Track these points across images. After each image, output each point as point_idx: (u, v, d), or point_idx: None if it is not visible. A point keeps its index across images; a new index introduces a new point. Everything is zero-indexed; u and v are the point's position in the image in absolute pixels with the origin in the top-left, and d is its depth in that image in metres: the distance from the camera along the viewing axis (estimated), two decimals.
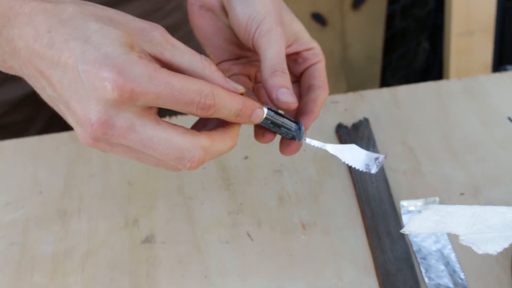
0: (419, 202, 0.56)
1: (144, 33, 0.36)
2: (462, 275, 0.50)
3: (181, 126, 0.37)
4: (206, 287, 0.51)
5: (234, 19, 0.45)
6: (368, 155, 0.43)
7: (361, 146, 0.60)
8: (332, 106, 0.68)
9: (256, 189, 0.59)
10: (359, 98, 0.69)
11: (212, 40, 0.49)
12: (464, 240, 0.36)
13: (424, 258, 0.52)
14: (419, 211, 0.56)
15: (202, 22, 0.48)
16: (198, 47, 0.89)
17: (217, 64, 0.49)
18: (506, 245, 0.35)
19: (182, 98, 0.34)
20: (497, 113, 0.66)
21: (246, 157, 0.62)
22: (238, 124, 0.40)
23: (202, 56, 0.38)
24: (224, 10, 0.47)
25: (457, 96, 0.69)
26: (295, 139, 0.43)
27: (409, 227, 0.37)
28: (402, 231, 0.37)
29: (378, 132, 0.64)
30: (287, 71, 0.43)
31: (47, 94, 0.37)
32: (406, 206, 0.56)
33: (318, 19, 1.56)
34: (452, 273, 0.51)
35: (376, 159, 0.43)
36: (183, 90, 0.34)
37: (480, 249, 0.35)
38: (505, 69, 1.01)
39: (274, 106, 0.42)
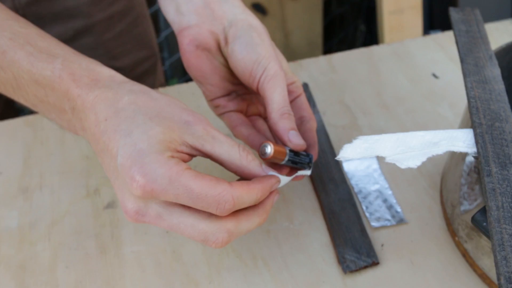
0: None
1: (187, 126, 0.39)
2: (398, 209, 0.56)
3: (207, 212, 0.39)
4: (168, 241, 0.55)
5: (238, 63, 0.47)
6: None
7: None
8: None
9: None
10: (298, 66, 0.75)
11: (208, 79, 0.50)
12: (390, 159, 0.42)
13: (364, 198, 0.58)
14: (359, 158, 0.61)
15: (199, 62, 0.49)
16: (146, 33, 0.91)
17: (212, 100, 0.52)
18: (424, 159, 0.41)
19: (200, 201, 0.37)
20: (422, 70, 0.73)
21: None
22: (267, 202, 0.43)
23: (241, 147, 0.41)
24: (220, 50, 0.49)
25: (386, 59, 0.75)
26: (305, 169, 0.48)
27: (342, 154, 0.42)
28: (337, 158, 0.43)
29: (318, 95, 0.70)
30: (292, 113, 0.46)
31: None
32: None
33: (259, 8, 1.62)
34: (389, 208, 0.56)
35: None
36: (201, 195, 0.37)
37: (403, 165, 0.41)
38: (428, 33, 1.08)
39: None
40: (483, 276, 0.49)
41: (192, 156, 0.41)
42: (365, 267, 0.51)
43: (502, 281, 0.32)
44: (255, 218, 0.42)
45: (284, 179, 0.44)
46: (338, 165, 0.60)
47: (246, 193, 0.39)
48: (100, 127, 0.39)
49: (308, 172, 0.49)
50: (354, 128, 0.65)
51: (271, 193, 0.44)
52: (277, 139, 0.48)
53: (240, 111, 0.53)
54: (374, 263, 0.51)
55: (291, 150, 0.46)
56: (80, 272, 0.53)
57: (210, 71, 0.50)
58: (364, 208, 0.57)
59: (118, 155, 0.37)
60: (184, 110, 0.41)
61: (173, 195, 0.37)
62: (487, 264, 0.48)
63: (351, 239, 0.53)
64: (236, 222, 0.40)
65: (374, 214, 0.56)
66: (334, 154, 0.62)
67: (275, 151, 0.43)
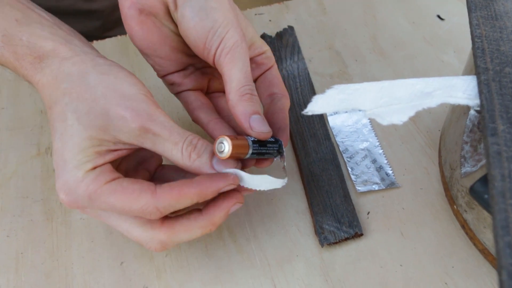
0: None
1: (123, 123, 0.35)
2: (389, 170, 0.49)
3: (143, 218, 0.37)
4: None
5: (190, 32, 0.38)
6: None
7: (285, 53, 0.57)
8: (256, 18, 0.64)
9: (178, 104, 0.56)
10: (284, 8, 0.66)
11: (157, 51, 0.41)
12: (370, 114, 0.34)
13: (350, 157, 0.50)
14: (346, 111, 0.53)
15: (143, 30, 0.40)
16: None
17: (164, 77, 0.44)
18: (412, 114, 0.33)
19: (126, 213, 0.36)
20: (425, 12, 0.64)
21: None
22: (215, 212, 0.38)
23: (186, 142, 0.36)
24: (169, 15, 0.40)
25: (385, 0, 0.66)
26: (275, 157, 0.40)
27: (311, 107, 0.35)
28: (303, 112, 0.35)
29: (304, 39, 0.61)
30: (255, 93, 0.38)
31: None
32: None
33: None
34: (378, 169, 0.49)
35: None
36: (124, 209, 0.35)
37: (385, 120, 0.33)
38: None
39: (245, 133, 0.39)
40: (484, 252, 0.41)
41: (134, 147, 0.37)
42: (346, 239, 0.44)
43: (504, 276, 0.24)
44: (196, 230, 0.37)
45: (252, 180, 0.38)
46: (322, 119, 0.52)
47: (176, 201, 0.35)
48: (48, 114, 0.37)
49: (281, 163, 0.41)
50: (344, 77, 0.57)
51: (224, 198, 0.38)
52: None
53: (200, 89, 0.44)
54: (357, 234, 0.44)
55: (255, 141, 0.38)
56: (22, 241, 0.46)
57: (158, 41, 0.41)
58: (349, 169, 0.49)
59: (53, 153, 0.37)
60: (121, 101, 0.35)
61: (99, 209, 0.36)
62: (490, 238, 0.40)
63: (332, 206, 0.46)
64: (171, 234, 0.37)
65: (361, 177, 0.48)
66: None
67: (233, 147, 0.35)
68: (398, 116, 0.33)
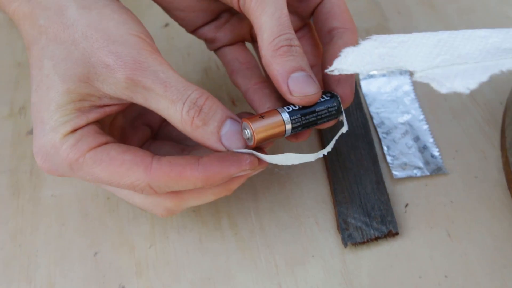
0: None
1: (106, 72, 0.28)
2: (435, 152, 0.39)
3: None
4: None
5: None
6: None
7: None
8: None
9: (177, 60, 0.46)
10: None
11: (173, 2, 0.33)
12: (421, 76, 0.24)
13: (387, 133, 0.40)
14: (384, 75, 0.43)
15: None
16: None
17: (193, 32, 0.35)
18: (484, 79, 0.23)
19: (116, 186, 0.29)
20: None
21: (166, 25, 0.49)
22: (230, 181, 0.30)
23: (188, 103, 0.27)
24: None
25: None
26: (333, 119, 0.30)
27: (339, 64, 0.25)
28: (328, 70, 0.25)
29: None
30: (296, 42, 0.29)
31: None
32: None
33: None
34: (422, 150, 0.39)
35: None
36: (112, 183, 0.29)
37: (444, 87, 0.23)
38: None
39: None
40: None
41: (124, 103, 0.30)
42: (377, 238, 0.34)
43: None
44: (208, 195, 0.31)
45: (272, 160, 0.29)
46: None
47: (174, 183, 0.28)
48: (28, 56, 0.31)
49: (344, 129, 0.30)
50: (383, 33, 0.46)
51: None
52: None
53: (241, 40, 0.35)
54: (391, 233, 0.34)
55: (294, 110, 0.28)
56: None
57: None
58: (384, 148, 0.39)
59: (31, 109, 0.30)
60: (105, 44, 0.28)
61: (84, 179, 0.30)
62: None
63: (360, 195, 0.36)
64: (178, 200, 0.31)
65: (399, 159, 0.38)
66: None
67: (258, 132, 0.27)
68: (464, 81, 0.23)
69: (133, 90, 0.28)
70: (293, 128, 0.28)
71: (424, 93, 0.42)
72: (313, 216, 0.36)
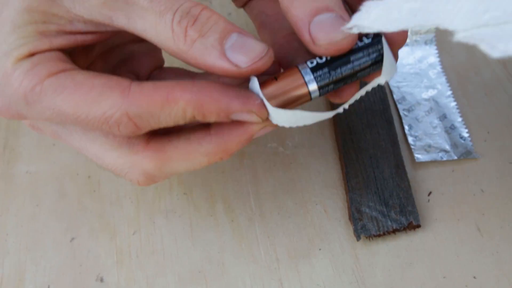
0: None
1: None
2: (465, 133, 0.34)
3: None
4: (84, 161, 0.35)
5: None
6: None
7: None
8: None
9: None
10: None
11: None
12: (467, 36, 0.18)
13: (408, 110, 0.35)
14: (406, 44, 0.38)
15: None
16: None
17: None
18: None
19: (84, 124, 0.23)
20: None
21: None
22: (229, 137, 0.24)
23: (179, 12, 0.22)
24: None
25: None
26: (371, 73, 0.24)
27: (359, 20, 0.20)
28: (345, 27, 0.20)
29: None
30: None
31: None
32: None
33: None
34: (449, 130, 0.34)
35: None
36: (79, 118, 0.23)
37: (497, 49, 0.18)
38: None
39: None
40: None
41: (102, 30, 0.24)
42: (395, 231, 0.30)
43: None
44: (199, 157, 0.25)
45: (279, 115, 0.23)
46: None
47: (158, 108, 0.22)
48: None
49: (381, 79, 0.24)
50: None
51: (246, 114, 0.23)
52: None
53: None
54: (412, 225, 0.30)
55: (320, 64, 0.23)
56: None
57: None
58: (405, 128, 0.34)
59: None
60: None
61: (44, 119, 0.24)
62: None
63: (377, 180, 0.31)
64: (161, 160, 0.25)
65: (422, 140, 0.33)
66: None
67: (272, 97, 0.22)
68: None
69: (112, 5, 0.23)
70: (321, 88, 0.23)
71: (452, 65, 0.37)
72: (322, 203, 0.32)
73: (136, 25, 0.23)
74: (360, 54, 0.23)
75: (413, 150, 0.33)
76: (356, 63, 0.23)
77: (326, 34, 0.22)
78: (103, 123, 0.23)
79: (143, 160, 0.25)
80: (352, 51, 0.23)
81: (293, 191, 0.32)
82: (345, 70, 0.23)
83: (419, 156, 0.32)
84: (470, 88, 0.36)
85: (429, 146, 0.33)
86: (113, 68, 0.29)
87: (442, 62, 0.37)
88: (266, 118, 0.23)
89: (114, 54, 0.29)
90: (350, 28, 0.21)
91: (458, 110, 0.34)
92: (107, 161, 0.26)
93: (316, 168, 0.33)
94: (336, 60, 0.23)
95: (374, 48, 0.23)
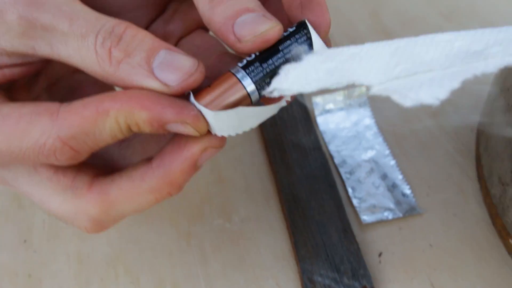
0: (339, 97, 0.39)
1: None
2: (406, 190, 0.34)
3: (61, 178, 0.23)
4: None
5: None
6: None
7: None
8: None
9: None
10: None
11: (110, 5, 0.27)
12: (381, 89, 0.19)
13: (350, 173, 0.35)
14: (341, 109, 0.39)
15: None
16: None
17: (147, 28, 0.29)
18: (455, 85, 0.18)
19: (18, 157, 0.22)
20: None
21: None
22: (173, 164, 0.22)
23: (102, 33, 0.21)
24: None
25: None
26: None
27: (278, 84, 0.20)
28: (266, 91, 0.20)
29: None
30: None
31: None
32: (322, 103, 0.39)
33: None
34: (391, 189, 0.34)
35: None
36: (13, 152, 0.21)
37: (408, 99, 0.18)
38: None
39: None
40: None
41: (32, 61, 0.23)
42: None
43: None
44: (145, 195, 0.23)
45: (219, 120, 0.21)
46: (309, 121, 0.38)
47: (90, 124, 0.21)
48: None
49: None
50: None
51: (187, 139, 0.22)
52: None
53: (196, 27, 0.30)
54: None
55: (250, 60, 0.22)
56: None
57: None
58: (349, 190, 0.34)
59: None
60: None
61: None
62: None
63: (326, 246, 0.31)
64: (105, 203, 0.23)
65: (366, 201, 0.33)
66: (302, 104, 0.39)
67: (207, 102, 0.21)
68: (431, 90, 0.18)
69: (32, 34, 0.22)
70: (256, 83, 0.22)
71: (387, 125, 0.38)
72: (273, 276, 0.31)
73: (59, 52, 0.22)
74: (288, 42, 0.22)
75: (358, 212, 0.33)
76: (286, 50, 0.22)
77: (251, 29, 0.21)
78: (38, 153, 0.21)
79: (87, 205, 0.23)
80: (280, 41, 0.22)
81: (243, 268, 0.31)
82: (277, 59, 0.22)
83: (365, 218, 0.32)
84: (407, 145, 0.37)
85: (374, 206, 0.33)
86: (61, 101, 0.27)
87: (377, 122, 0.38)
88: (207, 131, 0.22)
89: (60, 86, 0.27)
90: (271, 92, 0.21)
91: (398, 168, 0.35)
92: (53, 207, 0.24)
93: (265, 241, 0.32)
94: (265, 52, 0.22)
95: (300, 33, 0.23)
